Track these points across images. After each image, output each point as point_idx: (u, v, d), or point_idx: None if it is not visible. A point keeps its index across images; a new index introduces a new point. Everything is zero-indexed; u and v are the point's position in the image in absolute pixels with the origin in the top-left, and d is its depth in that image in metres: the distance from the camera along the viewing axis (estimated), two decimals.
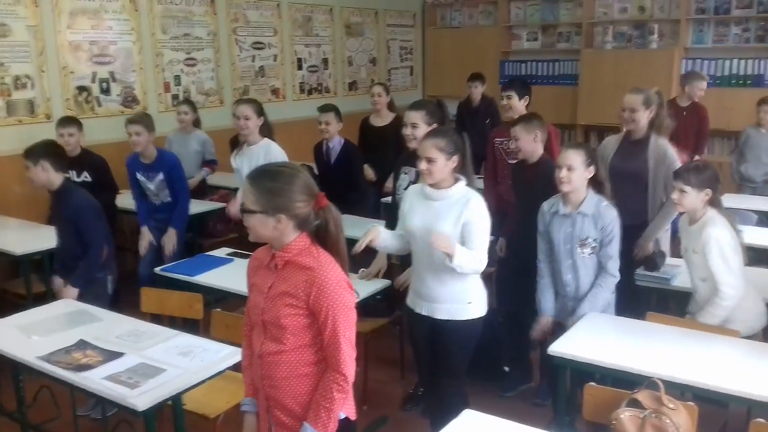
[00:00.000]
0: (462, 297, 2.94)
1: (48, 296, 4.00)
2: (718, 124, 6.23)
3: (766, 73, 7.28)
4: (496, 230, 4.32)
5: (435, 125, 3.46)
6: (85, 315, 3.25)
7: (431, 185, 2.90)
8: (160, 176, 4.61)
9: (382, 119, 5.86)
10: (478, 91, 6.81)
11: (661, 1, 7.85)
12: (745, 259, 3.22)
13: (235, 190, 5.12)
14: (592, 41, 8.28)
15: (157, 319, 3.49)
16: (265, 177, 2.05)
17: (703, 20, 7.65)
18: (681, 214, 3.43)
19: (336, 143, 5.01)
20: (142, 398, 2.45)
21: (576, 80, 8.22)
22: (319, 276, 2.00)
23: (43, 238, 4.27)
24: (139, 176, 4.65)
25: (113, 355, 2.77)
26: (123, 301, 4.13)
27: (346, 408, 2.11)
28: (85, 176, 4.69)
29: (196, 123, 5.93)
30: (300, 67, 7.75)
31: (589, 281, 3.27)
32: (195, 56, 6.59)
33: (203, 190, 5.90)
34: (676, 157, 3.86)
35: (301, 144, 5.64)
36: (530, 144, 3.67)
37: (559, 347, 2.90)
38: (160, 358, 2.74)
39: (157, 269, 4.03)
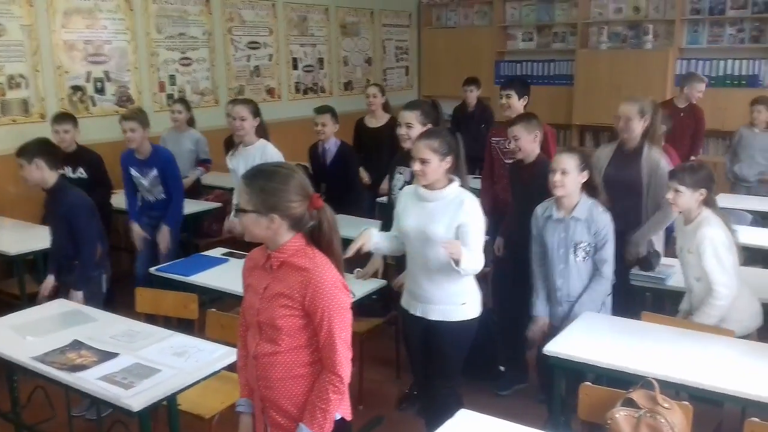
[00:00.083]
0: (456, 298, 2.94)
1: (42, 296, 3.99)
2: (712, 124, 6.25)
3: (761, 74, 7.31)
4: (492, 230, 4.34)
5: (430, 125, 3.47)
6: (80, 315, 3.25)
7: (425, 186, 2.90)
8: (154, 172, 4.60)
9: (377, 120, 5.85)
10: (473, 95, 6.81)
11: (656, 2, 7.86)
12: (740, 259, 3.23)
13: (231, 189, 5.12)
14: (587, 41, 8.29)
15: (151, 319, 3.48)
16: (261, 177, 2.04)
17: (698, 21, 7.67)
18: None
19: (332, 144, 5.00)
20: (136, 398, 2.45)
21: (571, 80, 8.24)
22: (315, 277, 1.99)
23: (37, 238, 4.26)
24: (132, 172, 4.64)
25: (108, 356, 2.76)
26: (117, 301, 4.12)
27: (341, 408, 2.11)
28: (81, 173, 4.68)
29: (190, 122, 5.92)
30: (295, 67, 7.74)
31: (582, 285, 3.28)
32: (190, 56, 6.57)
33: (198, 190, 5.89)
34: (668, 168, 3.85)
35: (296, 144, 5.64)
36: (530, 144, 3.68)
37: (555, 347, 2.90)
38: (155, 359, 2.74)
39: (152, 269, 4.03)
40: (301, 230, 2.07)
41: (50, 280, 3.75)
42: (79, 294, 3.59)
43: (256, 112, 4.26)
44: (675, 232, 3.55)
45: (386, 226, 3.72)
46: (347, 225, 4.12)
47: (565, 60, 8.39)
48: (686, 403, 2.54)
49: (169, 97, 6.35)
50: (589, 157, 3.29)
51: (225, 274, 3.81)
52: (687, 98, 5.98)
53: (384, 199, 4.67)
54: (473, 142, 5.20)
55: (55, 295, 3.67)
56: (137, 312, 3.55)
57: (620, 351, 2.84)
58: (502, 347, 4.04)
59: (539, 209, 3.38)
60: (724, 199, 4.27)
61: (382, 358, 4.26)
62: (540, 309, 3.39)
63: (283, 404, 2.09)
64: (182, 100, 6.02)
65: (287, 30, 7.58)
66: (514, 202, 3.91)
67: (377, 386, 4.08)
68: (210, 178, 6.06)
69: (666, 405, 2.49)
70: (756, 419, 2.40)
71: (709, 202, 3.22)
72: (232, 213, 4.36)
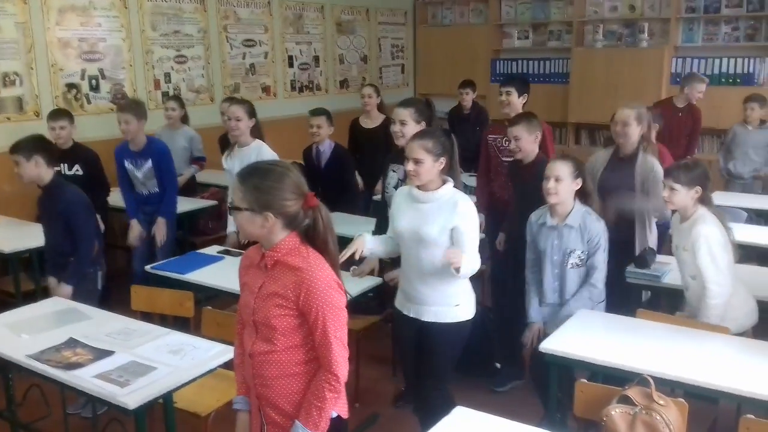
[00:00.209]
0: (450, 299, 2.93)
1: (37, 294, 3.98)
2: (707, 122, 6.26)
3: (756, 72, 7.33)
4: (489, 228, 4.35)
5: (423, 123, 3.47)
6: (75, 313, 3.24)
7: (419, 187, 2.89)
8: (149, 164, 4.59)
9: (372, 121, 5.83)
10: (469, 98, 6.80)
11: (652, 0, 7.87)
12: (735, 257, 3.24)
13: (226, 188, 5.11)
14: (583, 40, 8.30)
15: (147, 317, 3.47)
16: (255, 175, 2.04)
17: (693, 19, 7.68)
18: (673, 212, 3.45)
19: (326, 147, 4.99)
20: (132, 396, 2.44)
21: (567, 78, 8.24)
22: (308, 277, 1.99)
23: (32, 236, 4.24)
24: (127, 164, 4.63)
25: (103, 354, 2.75)
26: (113, 299, 4.11)
27: (338, 406, 2.11)
28: (77, 170, 4.67)
29: (184, 119, 5.91)
30: (291, 65, 7.73)
31: (574, 292, 3.28)
32: (185, 53, 6.56)
33: (193, 188, 5.88)
34: (661, 173, 3.86)
35: (291, 142, 5.63)
36: (530, 144, 3.68)
37: (550, 344, 2.91)
38: (151, 357, 2.73)
39: (148, 267, 4.02)
40: (296, 229, 2.06)
41: (53, 281, 3.73)
42: (68, 288, 3.57)
43: (251, 113, 4.24)
44: (671, 229, 3.56)
45: (381, 224, 3.72)
46: (342, 223, 4.13)
47: (561, 58, 8.38)
48: (682, 400, 2.55)
49: (165, 94, 6.33)
50: (582, 165, 3.29)
51: (221, 272, 3.80)
52: (687, 98, 5.99)
53: (379, 197, 4.66)
54: (469, 144, 5.23)
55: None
56: (133, 310, 3.54)
57: (616, 348, 2.84)
58: (499, 344, 4.05)
59: (533, 216, 3.39)
60: (718, 197, 4.28)
61: (378, 356, 4.26)
62: (534, 315, 3.40)
63: (279, 402, 2.09)
64: (176, 98, 6.01)
65: (283, 28, 7.57)
66: (515, 201, 3.90)
67: (373, 384, 4.08)
68: (205, 176, 6.05)
69: (661, 402, 2.50)
70: (751, 416, 2.41)
71: (704, 200, 3.23)
72: (229, 226, 4.35)
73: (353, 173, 5.25)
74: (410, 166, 2.83)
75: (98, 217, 3.95)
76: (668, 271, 3.70)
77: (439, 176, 2.87)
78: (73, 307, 3.32)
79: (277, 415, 2.10)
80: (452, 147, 2.90)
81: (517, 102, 4.40)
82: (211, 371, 2.71)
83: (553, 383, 2.97)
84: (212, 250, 4.26)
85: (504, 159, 4.23)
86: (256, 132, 4.29)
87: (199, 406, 3.00)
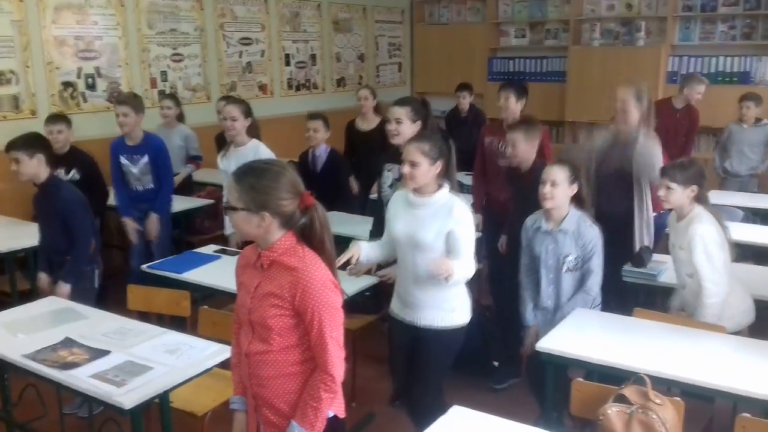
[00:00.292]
0: (446, 304, 2.92)
1: (33, 294, 3.97)
2: (704, 121, 6.26)
3: (752, 70, 7.34)
4: (484, 227, 4.35)
5: (419, 122, 3.47)
6: (71, 313, 3.23)
7: (415, 191, 2.88)
8: (145, 159, 4.58)
9: (369, 123, 5.81)
10: (466, 101, 6.79)
11: None
12: (732, 255, 3.25)
13: (222, 186, 5.09)
14: (580, 38, 8.30)
15: (143, 316, 3.46)
16: (251, 174, 2.03)
17: (690, 17, 7.69)
18: (669, 210, 3.45)
19: (322, 151, 4.97)
20: (128, 396, 2.44)
21: (564, 77, 8.25)
22: (304, 277, 1.98)
23: (28, 235, 4.23)
24: (122, 159, 4.61)
25: (99, 353, 2.75)
26: (109, 298, 4.10)
27: (335, 406, 2.11)
28: (74, 174, 4.64)
29: (180, 118, 5.90)
30: (288, 63, 7.72)
31: (569, 296, 3.28)
32: (181, 52, 6.54)
33: (190, 187, 5.87)
34: (658, 153, 3.87)
35: (288, 141, 5.62)
36: (528, 152, 3.68)
37: (547, 343, 2.91)
38: (147, 356, 2.72)
39: (144, 266, 4.01)
40: (293, 228, 2.05)
41: (45, 278, 3.73)
42: (67, 287, 3.57)
43: (247, 112, 4.23)
44: (668, 228, 3.56)
45: (377, 223, 3.72)
46: (339, 222, 4.13)
47: (558, 57, 8.39)
48: (678, 398, 2.55)
49: (161, 93, 6.32)
50: (578, 170, 3.29)
51: (217, 271, 3.79)
52: (686, 99, 5.98)
53: (375, 195, 4.66)
54: (466, 147, 5.21)
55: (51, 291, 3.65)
56: (129, 309, 3.53)
57: (612, 347, 2.85)
58: (497, 343, 4.05)
59: (529, 221, 3.39)
60: (714, 196, 4.28)
61: (374, 355, 4.25)
62: (529, 318, 3.41)
63: (275, 402, 2.08)
64: (172, 96, 6.00)
65: (279, 26, 7.56)
66: (515, 205, 3.89)
67: (370, 383, 4.08)
68: (202, 175, 6.03)
69: (658, 401, 2.50)
70: (747, 415, 2.41)
71: (700, 199, 3.24)
72: (227, 228, 4.34)
73: (348, 178, 5.23)
74: (406, 169, 2.82)
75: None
76: (664, 270, 3.70)
77: (435, 181, 2.86)
78: (69, 307, 3.32)
79: (274, 415, 2.10)
80: (449, 151, 2.89)
81: (514, 106, 4.40)
82: (207, 371, 2.71)
83: (549, 382, 2.97)
84: (209, 249, 4.25)
85: (501, 163, 4.23)
86: (253, 131, 4.28)
87: (195, 405, 3.00)
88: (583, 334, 2.98)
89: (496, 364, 4.11)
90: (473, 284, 3.07)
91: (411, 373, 3.05)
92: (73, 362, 2.68)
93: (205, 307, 3.47)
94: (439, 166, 2.83)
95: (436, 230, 2.81)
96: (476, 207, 4.42)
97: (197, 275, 3.78)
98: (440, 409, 2.48)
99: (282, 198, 2.00)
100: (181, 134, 5.80)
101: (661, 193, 3.25)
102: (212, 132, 5.92)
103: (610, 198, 3.84)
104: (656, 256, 3.86)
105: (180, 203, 5.14)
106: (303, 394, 2.05)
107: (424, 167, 2.80)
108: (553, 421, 3.03)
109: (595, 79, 7.77)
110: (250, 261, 2.14)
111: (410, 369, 3.05)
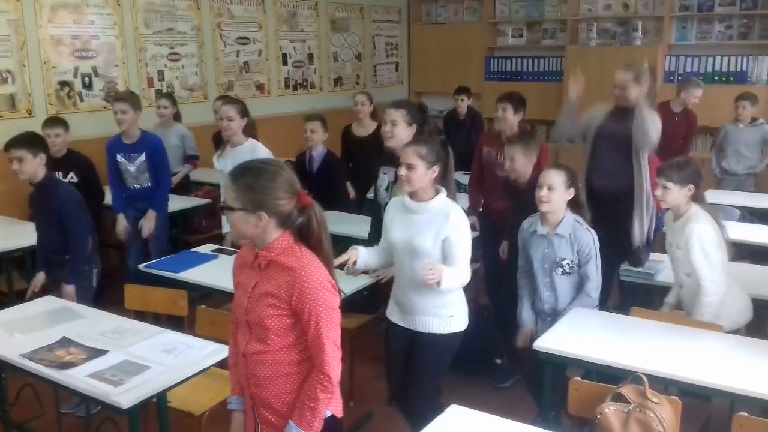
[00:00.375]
0: (443, 310, 2.91)
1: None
2: (701, 120, 6.26)
3: (749, 70, 7.35)
4: (481, 232, 4.35)
5: (415, 125, 3.46)
6: (68, 312, 3.23)
7: (412, 196, 2.87)
8: (142, 157, 4.57)
9: (365, 129, 5.76)
10: (464, 104, 6.78)
11: None
12: (729, 254, 3.25)
13: (217, 186, 5.09)
14: (577, 38, 8.31)
15: (141, 316, 3.46)
16: (248, 174, 2.02)
17: (687, 17, 7.70)
18: (667, 210, 3.46)
19: (319, 152, 4.96)
20: (126, 396, 2.44)
21: (561, 77, 8.24)
22: (301, 277, 1.97)
23: (24, 235, 4.22)
24: (119, 158, 4.60)
25: (97, 353, 2.75)
26: (107, 297, 4.09)
27: (332, 406, 2.10)
28: (71, 177, 4.63)
29: (176, 117, 5.88)
30: (285, 63, 7.71)
31: (567, 299, 3.28)
32: (179, 51, 6.53)
33: (187, 187, 5.86)
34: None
35: (285, 140, 5.63)
36: (526, 167, 3.68)
37: (544, 343, 2.91)
38: (145, 356, 2.72)
39: (141, 266, 4.01)
40: (290, 228, 2.05)
41: (41, 277, 3.72)
42: (71, 288, 3.57)
43: (243, 112, 4.22)
44: (664, 227, 3.57)
45: (375, 225, 3.71)
46: (336, 221, 4.13)
47: (555, 56, 8.39)
48: (675, 397, 2.55)
49: (158, 92, 6.31)
50: (576, 175, 3.30)
51: (215, 271, 3.79)
52: (683, 103, 5.98)
53: (373, 195, 4.66)
54: (464, 149, 5.23)
55: (44, 291, 3.64)
56: (126, 309, 3.53)
57: (610, 346, 2.85)
58: (500, 339, 4.04)
59: (525, 224, 3.39)
60: (711, 195, 4.30)
61: (372, 355, 4.25)
62: (526, 318, 3.41)
63: (272, 402, 2.08)
64: (168, 95, 5.98)
65: (276, 25, 7.55)
66: (513, 219, 3.88)
67: (367, 383, 4.07)
68: (199, 175, 6.02)
69: (655, 400, 2.51)
70: (744, 413, 2.42)
71: (697, 198, 3.24)
72: (225, 227, 4.33)
73: (344, 179, 5.20)
74: (403, 171, 2.81)
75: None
76: (661, 269, 3.71)
77: (432, 186, 2.85)
78: (66, 307, 3.31)
79: (271, 415, 2.09)
80: (447, 157, 2.88)
81: (512, 118, 4.40)
82: (204, 370, 2.71)
83: (547, 381, 2.97)
84: (206, 248, 4.24)
85: (498, 174, 4.22)
86: (250, 131, 4.28)
87: (192, 405, 3.00)
88: (580, 334, 2.98)
89: (498, 361, 4.11)
90: (470, 284, 3.07)
91: (407, 376, 3.05)
92: (70, 362, 2.68)
93: (203, 306, 3.46)
94: (436, 170, 2.82)
95: (433, 236, 2.80)
96: (472, 211, 4.44)
97: (194, 275, 3.78)
98: (436, 411, 2.48)
99: (279, 197, 2.00)
100: (177, 134, 5.79)
101: (658, 192, 3.26)
102: (209, 131, 5.91)
103: (606, 172, 3.86)
104: (653, 256, 3.87)
105: (177, 203, 5.14)
106: (300, 394, 2.05)
107: (421, 170, 2.79)
108: (551, 420, 3.03)
109: (592, 78, 7.67)
110: (247, 261, 2.13)
111: (407, 372, 3.05)
